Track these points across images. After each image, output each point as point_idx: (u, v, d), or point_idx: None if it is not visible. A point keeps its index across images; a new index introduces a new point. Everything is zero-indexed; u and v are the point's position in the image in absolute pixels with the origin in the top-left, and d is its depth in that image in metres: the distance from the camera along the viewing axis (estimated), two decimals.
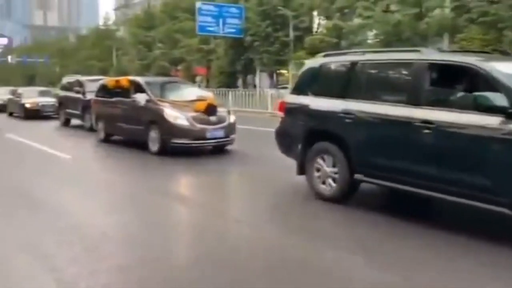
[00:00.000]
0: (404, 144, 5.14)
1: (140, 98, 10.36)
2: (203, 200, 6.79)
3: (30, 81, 70.38)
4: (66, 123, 17.27)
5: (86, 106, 14.85)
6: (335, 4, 31.95)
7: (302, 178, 6.36)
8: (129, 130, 11.01)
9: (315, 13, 34.10)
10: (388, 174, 5.28)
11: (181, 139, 9.64)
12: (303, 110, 6.29)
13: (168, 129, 9.71)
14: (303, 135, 6.18)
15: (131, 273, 3.91)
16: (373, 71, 5.82)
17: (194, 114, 9.78)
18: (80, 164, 9.90)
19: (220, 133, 9.94)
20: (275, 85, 39.23)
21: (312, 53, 29.19)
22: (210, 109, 9.91)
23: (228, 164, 9.44)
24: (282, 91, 27.40)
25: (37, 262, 4.22)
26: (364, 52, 6.22)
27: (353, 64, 5.86)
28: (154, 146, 9.98)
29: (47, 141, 12.89)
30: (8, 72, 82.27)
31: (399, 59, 5.64)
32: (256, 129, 14.31)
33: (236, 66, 42.99)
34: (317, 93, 6.19)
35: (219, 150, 10.27)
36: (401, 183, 5.15)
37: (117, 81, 12.07)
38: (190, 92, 11.28)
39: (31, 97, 21.42)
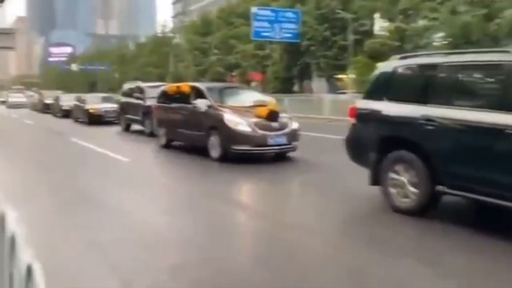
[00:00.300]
0: (493, 153, 4.68)
1: (201, 104, 10.25)
2: (263, 208, 6.56)
3: (91, 87, 73.24)
4: (127, 128, 17.58)
5: (146, 112, 15.02)
6: (398, 6, 30.79)
7: (370, 188, 5.93)
8: (189, 135, 10.95)
9: (375, 15, 32.99)
10: (474, 186, 4.81)
11: (242, 146, 9.42)
12: (377, 116, 5.88)
13: (229, 135, 9.52)
14: (376, 143, 5.78)
15: (186, 273, 4.01)
16: (456, 74, 5.32)
17: (255, 120, 9.53)
18: (141, 168, 9.99)
19: (283, 140, 9.63)
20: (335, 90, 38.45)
21: (372, 57, 28.39)
22: (272, 115, 9.64)
23: (290, 171, 9.14)
24: (340, 96, 26.85)
25: (99, 259, 4.35)
26: (445, 54, 5.75)
27: (434, 66, 5.41)
28: (214, 152, 9.82)
29: (109, 145, 13.16)
30: (71, 79, 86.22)
31: (485, 61, 5.14)
32: (315, 135, 13.93)
33: (291, 71, 42.59)
34: (392, 98, 5.76)
35: (280, 157, 9.98)
36: (488, 196, 4.68)
37: (178, 87, 12.08)
38: (251, 97, 11.03)
39: (94, 103, 22.06)
